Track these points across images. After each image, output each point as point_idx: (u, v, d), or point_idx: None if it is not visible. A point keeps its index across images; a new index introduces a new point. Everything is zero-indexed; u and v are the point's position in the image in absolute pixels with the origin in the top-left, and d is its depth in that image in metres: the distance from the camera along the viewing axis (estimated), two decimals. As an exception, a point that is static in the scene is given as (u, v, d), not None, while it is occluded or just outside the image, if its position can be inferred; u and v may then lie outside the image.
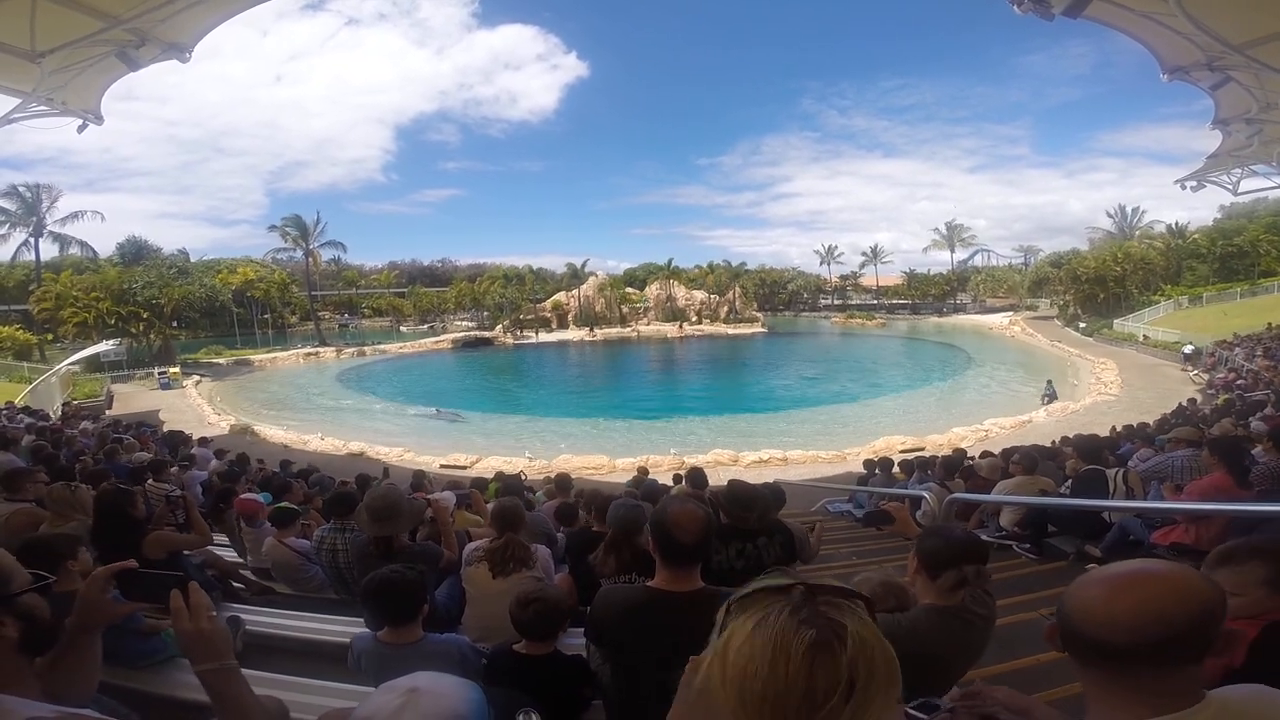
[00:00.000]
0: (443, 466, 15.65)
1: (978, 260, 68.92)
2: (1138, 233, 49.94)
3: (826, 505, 9.75)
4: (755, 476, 13.26)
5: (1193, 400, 15.87)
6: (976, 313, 60.45)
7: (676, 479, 10.73)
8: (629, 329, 57.44)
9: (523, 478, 10.50)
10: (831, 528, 8.27)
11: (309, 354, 44.21)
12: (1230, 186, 18.90)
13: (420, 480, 9.04)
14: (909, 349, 44.60)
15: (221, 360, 39.43)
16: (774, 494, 4.20)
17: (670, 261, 66.86)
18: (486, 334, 53.60)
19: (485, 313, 59.18)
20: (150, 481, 5.93)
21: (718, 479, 5.74)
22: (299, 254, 51.07)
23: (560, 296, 59.96)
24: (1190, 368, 24.14)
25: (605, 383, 35.55)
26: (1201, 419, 10.91)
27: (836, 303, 74.75)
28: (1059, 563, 5.10)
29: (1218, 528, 4.10)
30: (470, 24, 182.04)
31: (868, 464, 10.47)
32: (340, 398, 30.45)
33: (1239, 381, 17.62)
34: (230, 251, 67.95)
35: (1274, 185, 18.73)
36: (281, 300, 53.87)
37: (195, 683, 2.13)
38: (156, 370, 31.28)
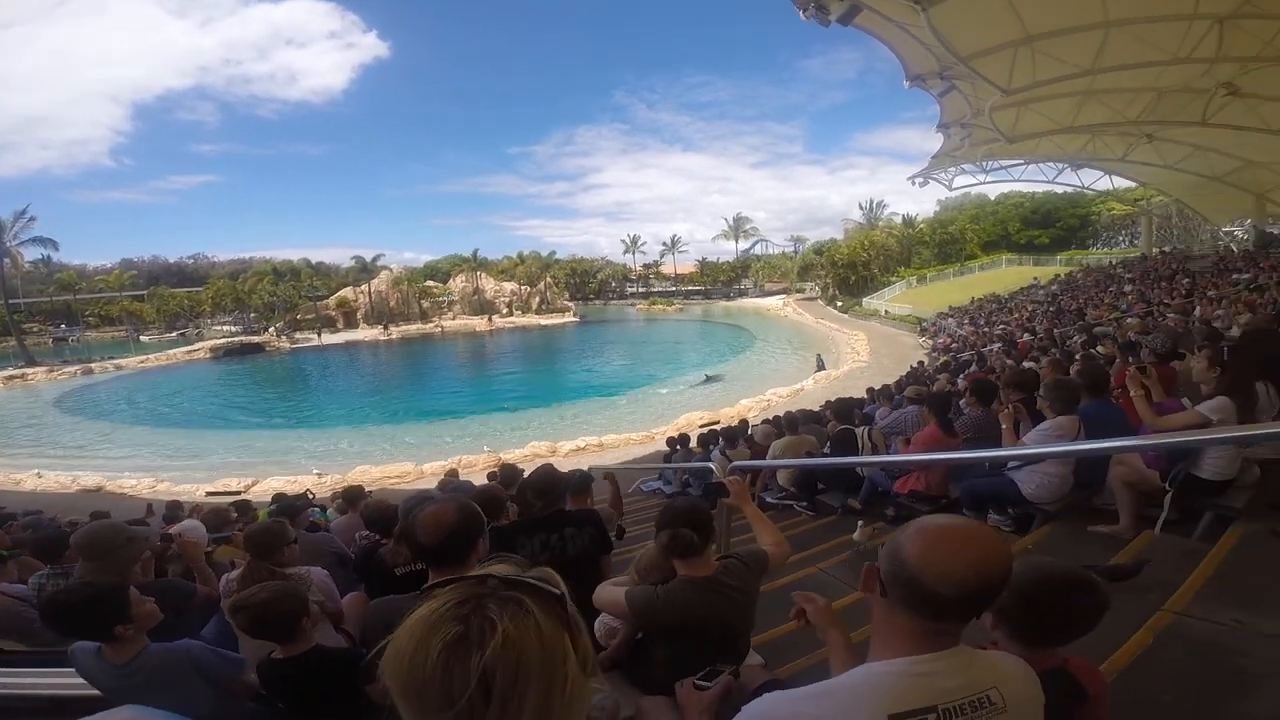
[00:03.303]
0: (209, 494, 13.34)
1: (758, 249, 77.07)
2: (880, 223, 58.96)
3: (641, 485, 10.12)
4: (573, 464, 13.40)
5: (921, 363, 19.16)
6: (757, 296, 67.52)
7: (491, 477, 10.38)
8: (431, 325, 54.24)
9: (310, 497, 9.40)
10: (645, 506, 8.64)
11: (10, 377, 35.07)
12: (946, 183, 23.43)
13: (175, 512, 7.83)
14: (703, 331, 48.54)
15: None
16: (579, 480, 4.15)
17: (476, 252, 64.52)
18: (255, 339, 46.64)
19: (253, 314, 51.49)
20: None
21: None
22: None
23: (347, 293, 54.66)
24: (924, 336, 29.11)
25: (407, 384, 33.07)
26: (927, 378, 12.79)
27: (641, 290, 78.64)
28: (829, 517, 5.58)
29: (939, 474, 4.77)
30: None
31: (670, 441, 10.93)
32: (63, 428, 24.61)
33: (952, 345, 21.29)
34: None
35: (977, 182, 23.71)
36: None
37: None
38: None
